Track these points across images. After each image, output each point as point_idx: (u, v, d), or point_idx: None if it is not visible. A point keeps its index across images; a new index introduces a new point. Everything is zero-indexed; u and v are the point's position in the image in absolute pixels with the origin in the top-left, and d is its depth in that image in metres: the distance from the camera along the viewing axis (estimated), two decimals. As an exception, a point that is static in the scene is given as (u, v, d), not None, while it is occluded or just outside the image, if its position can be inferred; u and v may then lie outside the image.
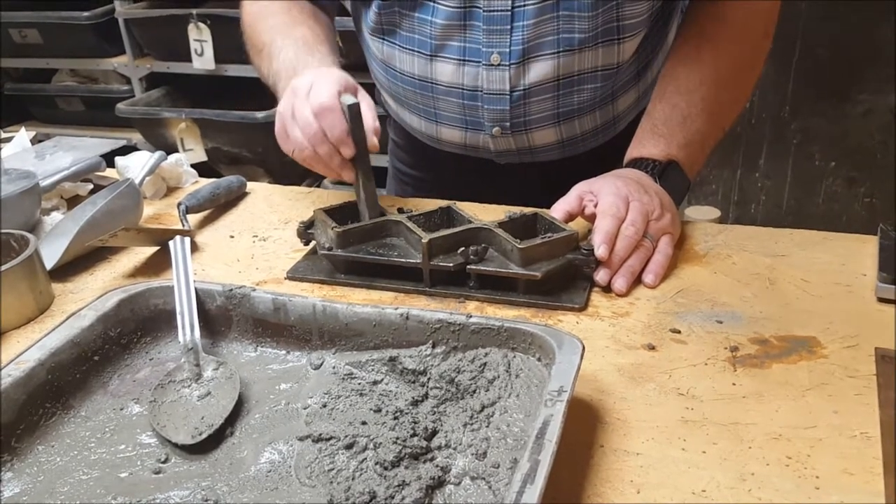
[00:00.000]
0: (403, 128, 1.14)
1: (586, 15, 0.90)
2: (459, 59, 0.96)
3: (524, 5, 0.90)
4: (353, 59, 1.17)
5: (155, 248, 0.92)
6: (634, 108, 1.07)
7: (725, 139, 1.03)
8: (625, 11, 0.92)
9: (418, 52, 0.97)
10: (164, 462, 0.60)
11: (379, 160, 1.43)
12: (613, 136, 1.07)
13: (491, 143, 1.03)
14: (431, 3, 0.93)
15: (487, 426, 0.60)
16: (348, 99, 0.81)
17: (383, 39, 1.00)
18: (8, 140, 1.25)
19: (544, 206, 0.86)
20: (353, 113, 0.81)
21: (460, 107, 1.00)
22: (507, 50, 0.93)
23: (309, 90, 0.83)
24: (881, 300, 0.76)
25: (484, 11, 0.92)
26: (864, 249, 0.85)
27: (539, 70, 0.95)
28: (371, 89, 1.18)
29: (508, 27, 0.92)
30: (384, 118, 1.23)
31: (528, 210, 0.86)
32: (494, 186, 1.03)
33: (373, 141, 0.83)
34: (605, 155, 1.01)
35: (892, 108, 2.31)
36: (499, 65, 0.94)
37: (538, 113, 0.99)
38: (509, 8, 0.91)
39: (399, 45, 0.99)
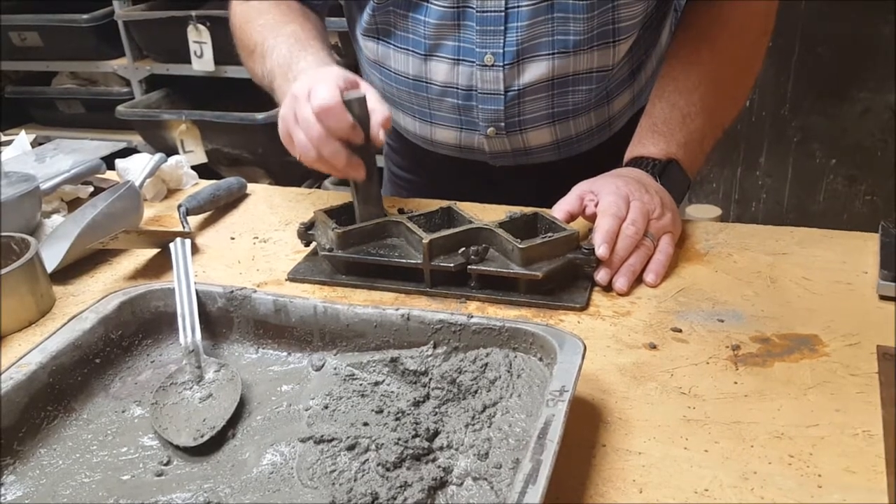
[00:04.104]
0: (398, 131, 1.14)
1: (581, 17, 0.90)
2: (453, 59, 0.95)
3: (518, 6, 0.90)
4: (352, 59, 1.17)
5: (156, 251, 0.92)
6: (629, 109, 1.07)
7: (726, 138, 1.03)
8: (620, 14, 0.92)
9: (413, 51, 0.97)
10: (166, 464, 0.60)
11: (377, 160, 1.43)
12: (608, 138, 1.06)
13: (486, 144, 1.03)
14: (425, 3, 0.93)
15: (489, 426, 0.60)
16: (352, 94, 0.80)
17: (378, 40, 1.00)
18: (8, 143, 1.25)
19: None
20: (361, 104, 0.80)
21: (455, 107, 1.00)
22: (501, 51, 0.93)
23: (309, 93, 0.81)
24: (882, 298, 0.76)
25: (477, 12, 0.91)
26: (866, 247, 0.85)
27: (533, 71, 0.95)
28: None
29: (502, 28, 0.92)
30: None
31: (528, 210, 0.85)
32: (489, 190, 1.02)
33: (380, 138, 0.81)
34: (599, 157, 1.00)
35: (891, 106, 2.31)
36: (493, 65, 0.94)
37: (532, 113, 0.99)
38: (503, 9, 0.90)
39: (394, 45, 0.98)
